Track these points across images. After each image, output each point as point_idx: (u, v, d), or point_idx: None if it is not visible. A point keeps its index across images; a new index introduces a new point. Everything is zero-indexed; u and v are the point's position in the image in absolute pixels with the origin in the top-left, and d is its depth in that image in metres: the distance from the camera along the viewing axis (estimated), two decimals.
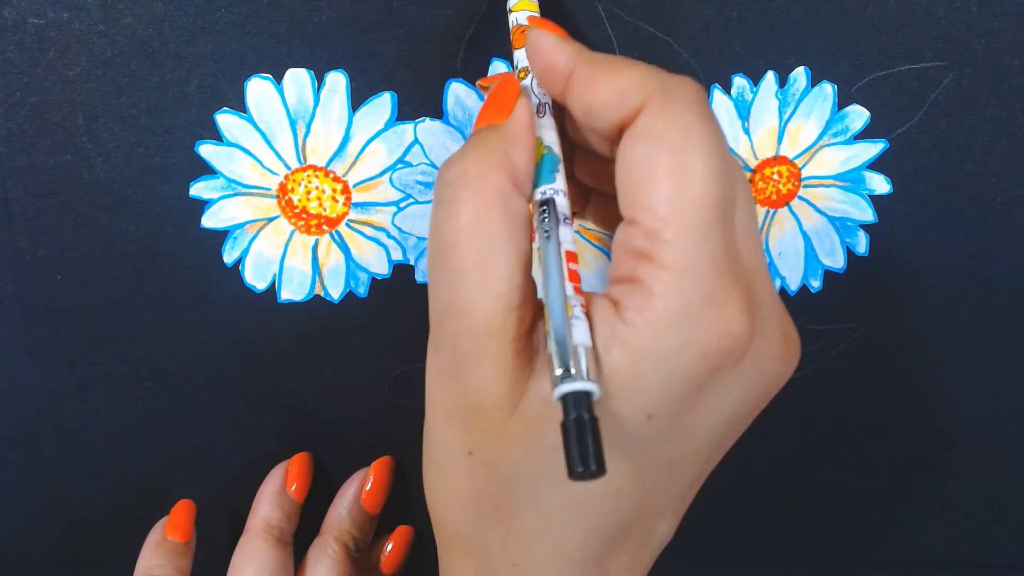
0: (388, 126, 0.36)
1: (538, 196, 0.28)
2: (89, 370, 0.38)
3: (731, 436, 0.28)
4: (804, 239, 0.39)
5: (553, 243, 0.26)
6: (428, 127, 0.36)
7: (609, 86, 0.27)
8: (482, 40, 0.36)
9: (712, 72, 0.37)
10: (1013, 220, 0.40)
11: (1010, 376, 0.42)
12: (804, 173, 0.39)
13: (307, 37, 0.35)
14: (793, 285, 0.40)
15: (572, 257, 0.27)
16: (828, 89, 0.38)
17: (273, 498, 0.39)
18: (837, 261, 0.40)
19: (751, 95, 0.37)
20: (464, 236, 0.26)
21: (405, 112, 0.36)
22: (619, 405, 0.25)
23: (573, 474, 0.23)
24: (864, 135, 0.38)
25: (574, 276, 0.26)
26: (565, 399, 0.23)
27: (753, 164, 0.38)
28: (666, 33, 0.36)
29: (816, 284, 0.40)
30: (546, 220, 0.27)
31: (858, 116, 0.38)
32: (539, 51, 0.29)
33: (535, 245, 0.27)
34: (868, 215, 0.39)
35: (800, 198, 0.39)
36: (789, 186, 0.39)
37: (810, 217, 0.39)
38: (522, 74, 0.31)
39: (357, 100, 0.36)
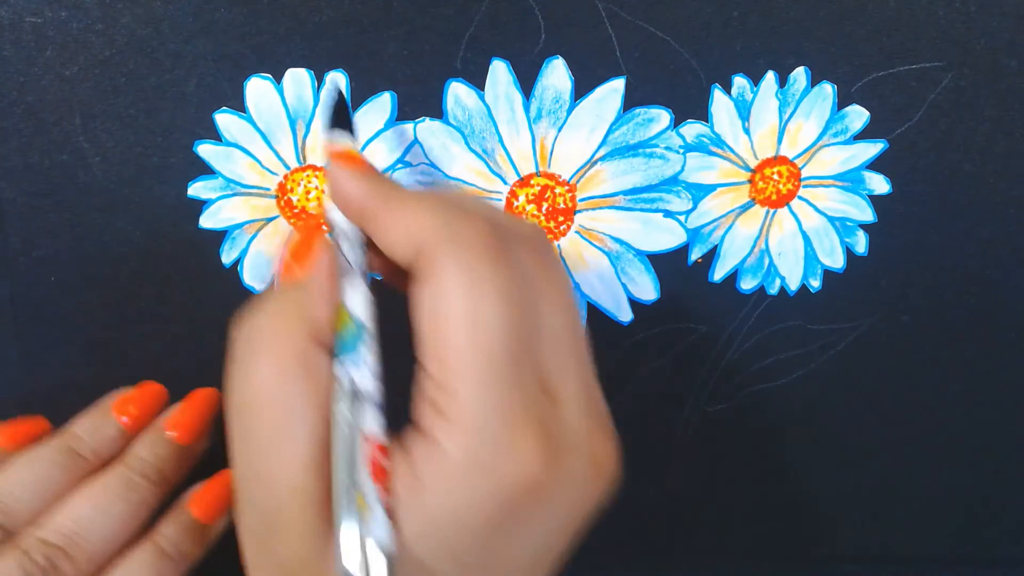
0: (388, 126, 0.36)
1: (337, 374, 0.26)
2: (84, 373, 0.37)
3: (549, 557, 0.27)
4: (804, 239, 0.39)
5: (340, 432, 0.25)
6: (428, 127, 0.36)
7: (398, 227, 0.26)
8: (482, 40, 0.36)
9: (712, 72, 0.37)
10: (1011, 220, 0.40)
11: (1009, 375, 0.42)
12: (804, 173, 0.39)
13: (307, 37, 0.35)
14: (793, 285, 0.40)
15: (378, 446, 0.25)
16: (828, 89, 0.38)
17: (91, 413, 0.35)
18: (837, 261, 0.40)
19: (751, 95, 0.37)
20: (260, 400, 0.25)
21: (405, 112, 0.36)
22: (432, 560, 0.24)
23: None
24: (864, 135, 0.38)
25: (377, 468, 0.25)
26: None
27: (753, 164, 0.38)
28: (666, 33, 0.36)
29: (816, 284, 0.40)
30: (340, 403, 0.25)
31: (858, 116, 0.38)
32: (335, 187, 0.29)
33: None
34: (868, 215, 0.39)
35: (800, 198, 0.39)
36: (789, 186, 0.39)
37: (810, 217, 0.39)
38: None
39: (357, 100, 0.36)
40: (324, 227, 0.30)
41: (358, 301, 0.28)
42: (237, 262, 0.37)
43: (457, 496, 0.24)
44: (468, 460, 0.24)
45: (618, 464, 0.27)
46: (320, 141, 0.32)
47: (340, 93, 0.33)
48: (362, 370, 0.26)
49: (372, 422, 0.26)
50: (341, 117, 0.32)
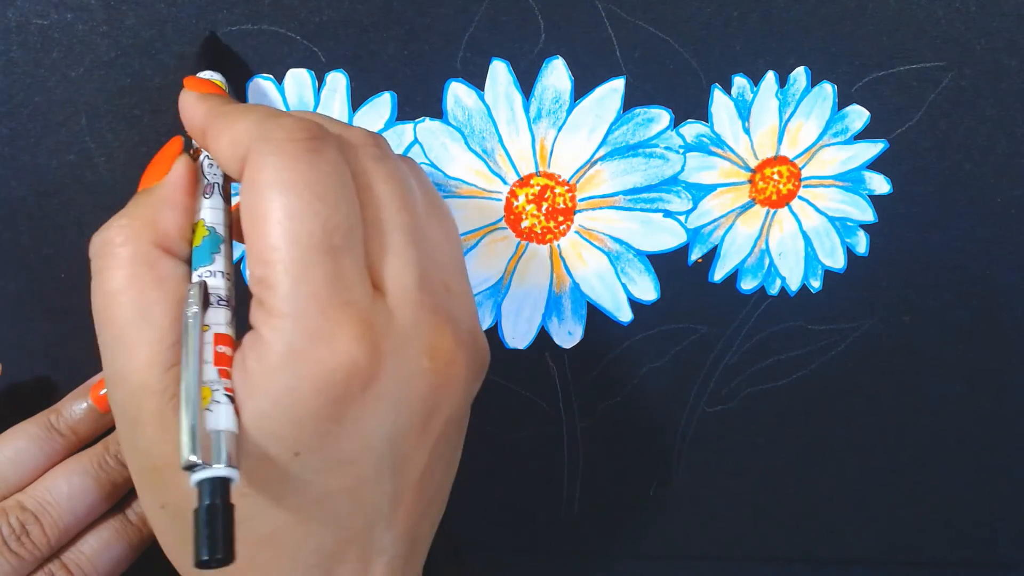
0: (388, 126, 0.36)
1: (193, 278, 0.28)
2: (91, 368, 0.38)
3: (415, 449, 0.28)
4: (804, 239, 0.39)
5: (193, 329, 0.26)
6: (428, 127, 0.36)
7: (225, 139, 0.27)
8: (482, 40, 0.36)
9: (712, 72, 0.37)
10: (1012, 220, 0.40)
11: (1009, 376, 0.42)
12: (804, 173, 0.38)
13: (307, 37, 0.35)
14: (793, 285, 0.40)
15: (225, 340, 0.26)
16: (828, 89, 0.38)
17: (73, 393, 0.37)
18: (837, 261, 0.40)
19: (751, 95, 0.37)
20: (112, 304, 0.27)
21: (405, 112, 0.36)
22: (267, 447, 0.25)
23: (199, 562, 0.23)
24: (864, 135, 0.38)
25: (223, 359, 0.26)
26: (200, 485, 0.24)
27: (753, 164, 0.38)
28: (666, 33, 0.36)
29: (816, 284, 0.40)
30: (190, 304, 0.26)
31: (858, 116, 0.38)
32: (181, 109, 0.30)
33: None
34: (868, 215, 0.39)
35: (800, 198, 0.39)
36: (789, 186, 0.39)
37: (810, 217, 0.39)
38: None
39: (357, 100, 0.36)
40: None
41: (215, 214, 0.29)
42: (239, 261, 0.37)
43: (279, 384, 0.25)
44: (285, 349, 0.25)
45: (464, 354, 0.28)
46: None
47: (212, 35, 0.34)
48: (216, 277, 0.28)
49: (222, 320, 0.27)
50: (214, 59, 0.33)
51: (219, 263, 0.28)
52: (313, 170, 0.26)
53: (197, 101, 0.30)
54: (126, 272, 0.27)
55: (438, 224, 0.29)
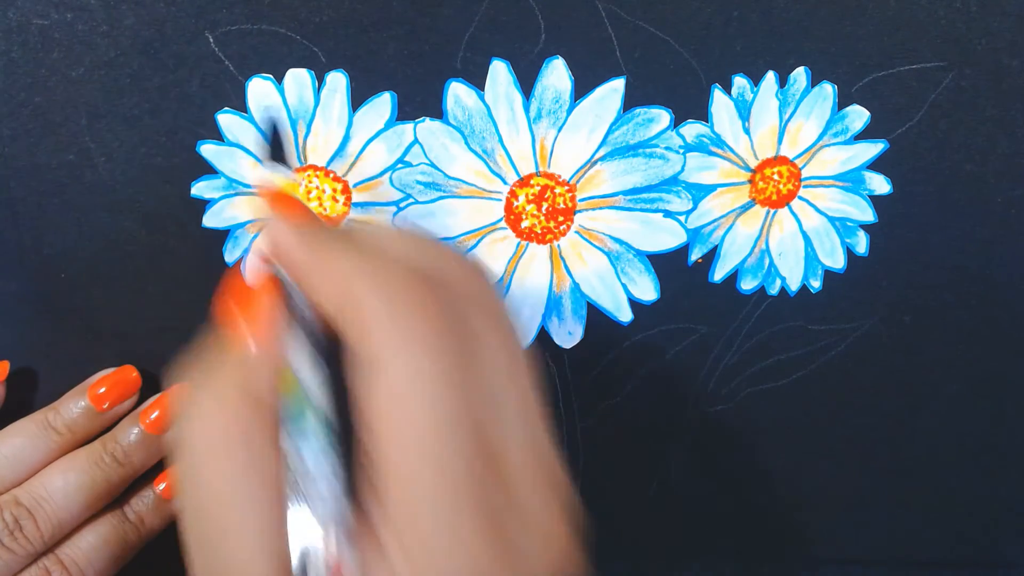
0: (388, 126, 0.36)
1: (285, 448, 0.24)
2: (91, 368, 0.38)
3: None
4: (804, 239, 0.39)
5: (293, 525, 0.23)
6: (428, 127, 0.36)
7: (328, 280, 0.25)
8: (482, 40, 0.35)
9: (712, 72, 0.37)
10: (1013, 220, 0.39)
11: (1010, 376, 0.41)
12: (804, 173, 0.38)
13: (308, 37, 0.35)
14: (793, 285, 0.40)
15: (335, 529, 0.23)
16: (828, 89, 0.37)
17: (72, 392, 0.37)
18: (837, 261, 0.39)
19: (751, 95, 0.37)
20: (215, 502, 0.24)
21: (405, 112, 0.36)
22: None
23: None
24: (864, 135, 0.38)
25: (336, 567, 0.23)
26: None
27: (753, 164, 0.38)
28: (667, 33, 0.36)
29: (816, 284, 0.40)
30: (290, 484, 0.23)
31: (858, 116, 0.38)
32: (271, 240, 0.27)
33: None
34: (868, 215, 0.39)
35: (800, 198, 0.38)
36: (789, 186, 0.38)
37: (810, 217, 0.39)
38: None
39: (357, 100, 0.36)
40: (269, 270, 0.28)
41: (303, 360, 0.25)
42: (240, 260, 0.37)
43: None
44: (413, 565, 0.22)
45: (571, 538, 0.25)
46: (258, 174, 0.30)
47: (276, 120, 0.31)
48: (310, 441, 0.24)
49: (325, 501, 0.24)
50: (278, 147, 0.30)
51: (312, 423, 0.24)
52: (441, 352, 0.23)
53: (291, 233, 0.26)
54: (226, 467, 0.24)
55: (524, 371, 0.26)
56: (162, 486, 0.37)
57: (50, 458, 0.35)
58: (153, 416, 0.36)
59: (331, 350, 0.25)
